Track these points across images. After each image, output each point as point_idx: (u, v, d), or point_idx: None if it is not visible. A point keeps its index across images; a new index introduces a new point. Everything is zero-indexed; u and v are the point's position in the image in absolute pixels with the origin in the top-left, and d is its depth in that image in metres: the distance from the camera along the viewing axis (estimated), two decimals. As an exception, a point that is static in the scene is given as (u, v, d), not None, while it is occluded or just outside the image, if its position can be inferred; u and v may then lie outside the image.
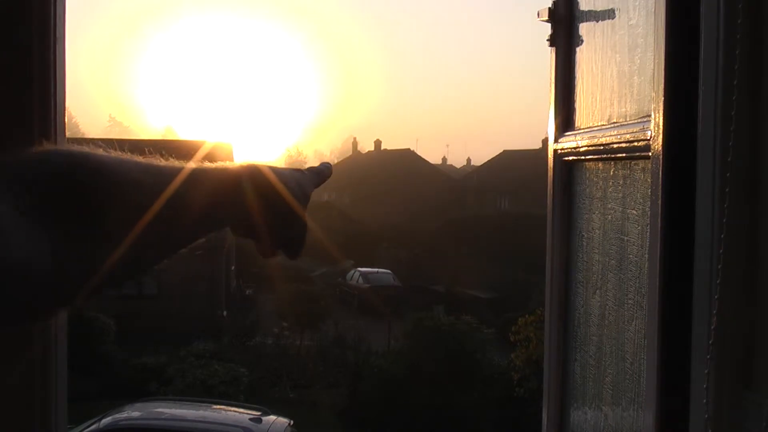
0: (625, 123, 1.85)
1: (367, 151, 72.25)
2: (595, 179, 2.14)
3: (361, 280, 30.77)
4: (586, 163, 2.22)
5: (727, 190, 1.34)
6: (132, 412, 11.01)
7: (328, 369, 19.53)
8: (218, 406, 12.11)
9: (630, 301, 1.83)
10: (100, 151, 0.70)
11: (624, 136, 1.81)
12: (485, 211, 45.92)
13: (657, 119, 1.56)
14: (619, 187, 1.92)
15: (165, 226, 0.75)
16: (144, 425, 10.52)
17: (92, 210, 0.66)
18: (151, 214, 0.71)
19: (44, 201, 0.62)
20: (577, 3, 2.30)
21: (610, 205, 1.99)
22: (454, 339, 17.14)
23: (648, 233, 1.66)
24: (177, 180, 0.76)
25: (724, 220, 1.34)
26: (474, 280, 30.05)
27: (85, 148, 0.70)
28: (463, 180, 60.40)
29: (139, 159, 0.74)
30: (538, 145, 47.66)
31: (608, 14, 2.04)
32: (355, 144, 76.58)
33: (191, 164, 0.80)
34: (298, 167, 1.01)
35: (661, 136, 1.54)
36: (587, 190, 2.21)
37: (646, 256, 1.67)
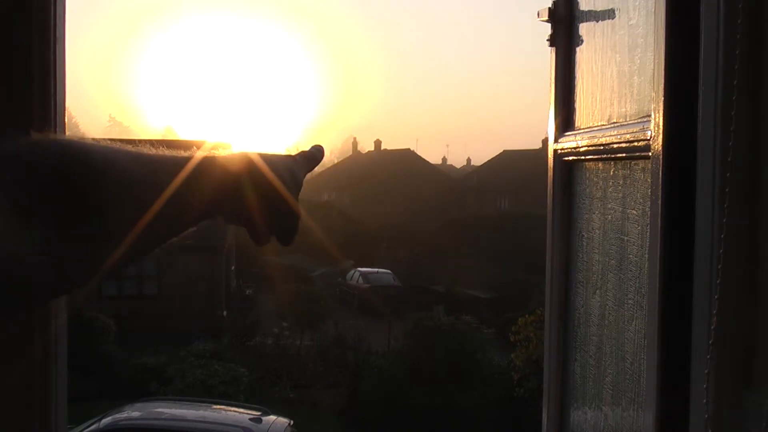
0: (625, 123, 1.85)
1: (367, 151, 72.24)
2: (595, 179, 2.14)
3: (361, 280, 30.77)
4: (586, 163, 2.22)
5: (727, 190, 1.34)
6: (132, 412, 11.00)
7: (328, 369, 19.52)
8: (218, 406, 12.11)
9: (630, 301, 1.83)
10: (89, 140, 0.70)
11: (624, 136, 1.81)
12: (485, 211, 45.92)
13: (657, 119, 1.56)
14: (619, 187, 1.92)
15: (164, 225, 0.75)
16: (144, 425, 10.52)
17: (81, 203, 0.65)
18: (151, 213, 0.72)
19: (32, 196, 0.62)
20: (577, 3, 2.30)
21: (610, 205, 1.99)
22: (454, 339, 17.14)
23: (648, 233, 1.66)
24: (177, 179, 0.76)
25: (724, 220, 1.34)
26: (474, 280, 30.04)
27: (73, 138, 0.70)
28: (463, 180, 60.40)
29: (129, 148, 0.74)
30: (538, 145, 47.67)
31: (608, 14, 2.04)
32: (355, 144, 76.58)
33: (184, 155, 0.80)
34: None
35: (661, 136, 1.54)
36: (587, 190, 2.21)
37: (646, 256, 1.67)
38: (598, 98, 2.11)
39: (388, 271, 31.86)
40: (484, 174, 56.69)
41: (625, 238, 1.86)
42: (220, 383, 15.77)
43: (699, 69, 1.42)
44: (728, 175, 1.34)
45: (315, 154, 1.01)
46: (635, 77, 1.81)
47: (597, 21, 2.15)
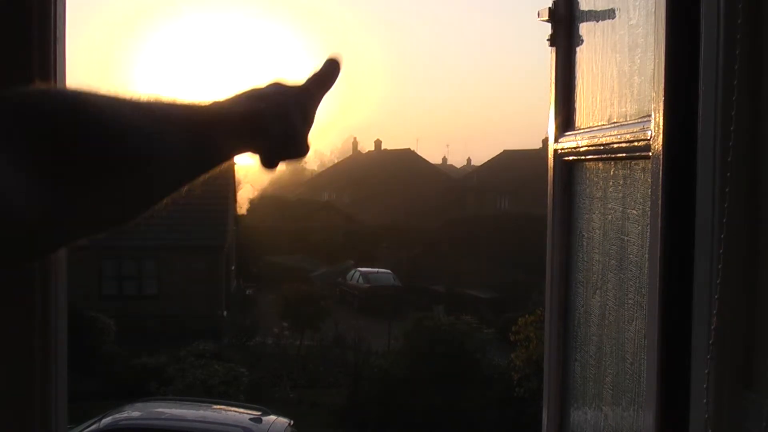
0: (625, 123, 1.85)
1: (367, 151, 72.24)
2: (595, 179, 2.14)
3: (361, 280, 30.77)
4: (586, 163, 2.22)
5: (727, 190, 1.34)
6: (132, 412, 10.99)
7: (328, 369, 19.52)
8: (218, 406, 12.10)
9: (630, 301, 1.83)
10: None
11: (624, 136, 1.81)
12: (485, 211, 45.91)
13: (657, 119, 1.56)
14: (619, 187, 1.92)
15: (180, 170, 0.75)
16: (144, 425, 10.51)
17: (87, 150, 0.64)
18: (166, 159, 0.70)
19: (33, 146, 0.61)
20: (577, 3, 2.30)
21: (610, 205, 1.99)
22: (454, 339, 17.13)
23: (648, 233, 1.66)
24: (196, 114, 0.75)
25: (724, 220, 1.34)
26: (474, 280, 30.04)
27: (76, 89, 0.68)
28: (463, 180, 60.39)
29: (131, 98, 0.72)
30: (538, 145, 47.63)
31: (608, 14, 2.04)
32: (355, 144, 76.58)
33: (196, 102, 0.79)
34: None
35: (661, 136, 1.54)
36: (587, 190, 2.21)
37: (646, 256, 1.67)
38: (598, 98, 2.11)
39: (388, 271, 31.86)
40: (484, 174, 56.68)
41: (625, 238, 1.86)
42: (220, 383, 15.77)
43: (699, 69, 1.42)
44: (728, 175, 1.34)
45: (328, 72, 0.93)
46: (635, 77, 1.81)
47: (597, 21, 2.15)
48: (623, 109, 1.90)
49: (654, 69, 1.59)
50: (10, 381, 1.78)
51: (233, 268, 28.93)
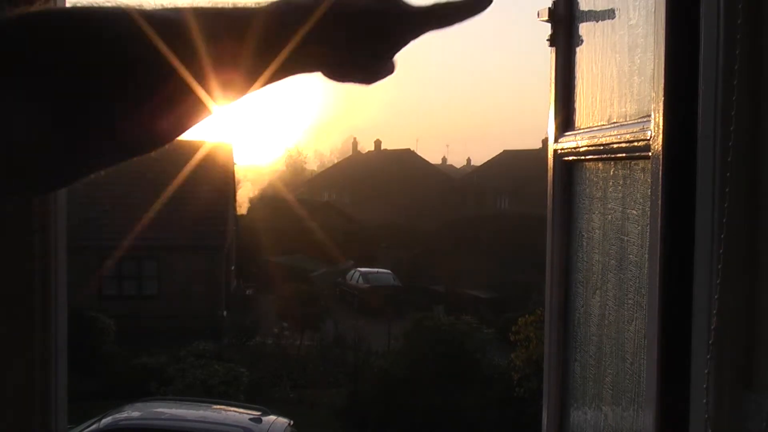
0: (625, 123, 1.85)
1: (367, 151, 72.24)
2: (595, 179, 2.14)
3: (361, 280, 30.77)
4: (586, 163, 2.22)
5: (727, 190, 1.34)
6: (132, 412, 10.99)
7: (328, 369, 19.52)
8: (218, 406, 12.10)
9: (630, 301, 1.83)
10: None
11: (624, 136, 1.81)
12: (485, 211, 45.91)
13: (657, 119, 1.56)
14: (619, 187, 1.92)
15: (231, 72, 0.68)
16: (144, 425, 10.51)
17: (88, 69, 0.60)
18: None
19: (35, 69, 0.58)
20: (577, 3, 2.30)
21: (610, 205, 1.99)
22: (454, 339, 17.13)
23: (648, 233, 1.66)
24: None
25: (724, 220, 1.34)
26: (474, 280, 30.04)
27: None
28: (463, 180, 60.40)
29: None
30: (538, 145, 47.69)
31: (608, 14, 2.04)
32: (355, 144, 76.57)
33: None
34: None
35: (661, 136, 1.54)
36: (587, 190, 2.21)
37: (646, 256, 1.67)
38: (598, 98, 2.11)
39: (388, 271, 31.86)
40: (484, 174, 56.68)
41: (625, 238, 1.86)
42: (220, 383, 15.77)
43: (699, 69, 1.42)
44: (728, 175, 1.34)
45: (461, 4, 0.78)
46: (635, 77, 1.81)
47: (597, 21, 2.15)
48: (623, 109, 1.90)
49: (654, 69, 1.59)
50: (10, 381, 1.78)
51: (233, 268, 28.94)
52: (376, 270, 31.79)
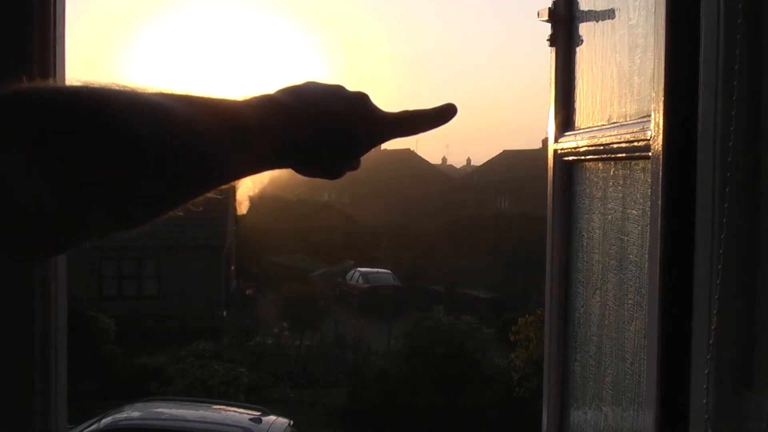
0: (625, 123, 1.85)
1: (367, 151, 71.94)
2: (595, 179, 2.14)
3: (361, 280, 30.77)
4: (586, 163, 2.22)
5: (727, 190, 1.34)
6: (132, 412, 11.00)
7: (328, 369, 19.52)
8: (218, 406, 12.10)
9: (630, 301, 1.83)
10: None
11: (624, 136, 1.81)
12: (485, 211, 45.93)
13: (657, 119, 1.56)
14: (619, 187, 1.92)
15: (199, 180, 0.69)
16: (144, 425, 10.51)
17: (90, 148, 0.59)
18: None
19: (39, 139, 0.57)
20: (577, 3, 2.30)
21: (610, 205, 1.99)
22: (454, 339, 17.14)
23: (648, 233, 1.66)
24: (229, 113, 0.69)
25: (724, 220, 1.34)
26: (474, 280, 30.05)
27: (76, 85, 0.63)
28: (463, 180, 60.42)
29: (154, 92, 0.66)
30: (538, 145, 47.63)
31: (608, 14, 2.04)
32: (355, 144, 76.20)
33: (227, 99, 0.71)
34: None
35: (661, 136, 1.54)
36: (587, 190, 2.20)
37: (646, 256, 1.67)
38: (598, 98, 2.11)
39: (388, 271, 31.87)
40: (484, 174, 56.70)
41: (625, 238, 1.86)
42: (220, 383, 15.78)
43: (699, 69, 1.42)
44: (728, 175, 1.34)
45: (426, 116, 0.82)
46: (635, 77, 1.81)
47: (597, 21, 2.15)
48: (623, 109, 1.90)
49: (654, 69, 1.59)
50: (10, 381, 1.78)
51: (233, 268, 28.94)
52: (376, 270, 31.80)
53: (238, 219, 30.98)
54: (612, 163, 1.98)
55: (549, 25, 2.42)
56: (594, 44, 2.16)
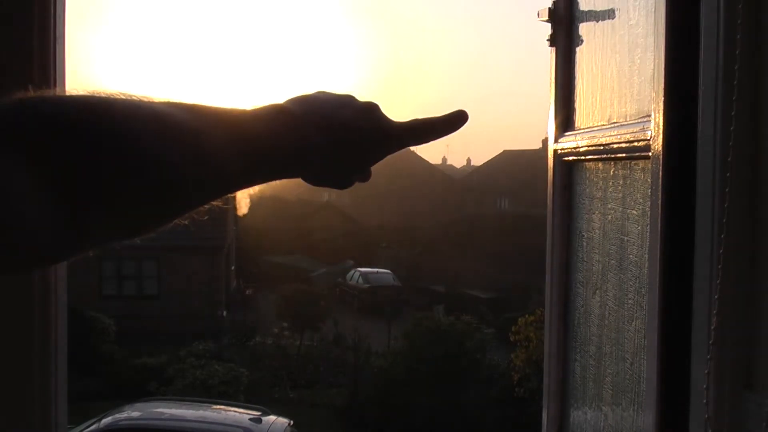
0: (625, 123, 1.85)
1: (367, 151, 71.90)
2: (595, 179, 2.14)
3: (361, 280, 30.77)
4: (586, 163, 2.22)
5: (727, 190, 1.34)
6: (132, 412, 11.00)
7: (328, 369, 19.53)
8: (218, 406, 12.11)
9: (630, 301, 1.83)
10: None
11: (624, 136, 1.81)
12: (485, 211, 45.93)
13: (657, 119, 1.56)
14: (619, 187, 1.92)
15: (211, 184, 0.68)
16: (144, 425, 10.52)
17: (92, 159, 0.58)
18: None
19: (35, 152, 0.56)
20: (577, 3, 2.30)
21: (610, 205, 1.99)
22: (454, 339, 17.14)
23: (648, 233, 1.66)
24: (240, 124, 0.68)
25: (724, 220, 1.34)
26: (474, 280, 30.05)
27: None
28: (463, 180, 60.42)
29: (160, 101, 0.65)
30: (538, 145, 47.63)
31: (608, 14, 2.04)
32: (355, 144, 76.15)
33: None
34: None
35: (661, 136, 1.54)
36: (587, 190, 2.20)
37: (646, 256, 1.67)
38: (598, 98, 2.11)
39: (388, 271, 31.86)
40: (484, 174, 56.70)
41: (625, 238, 1.86)
42: (220, 383, 15.78)
43: (699, 69, 1.42)
44: (728, 175, 1.34)
45: (436, 125, 0.82)
46: (635, 77, 1.81)
47: (597, 21, 2.15)
48: (623, 109, 1.90)
49: (654, 69, 1.59)
50: (10, 381, 1.78)
51: (233, 268, 28.95)
52: (376, 270, 31.80)
53: (238, 219, 30.98)
54: (612, 163, 1.98)
55: (549, 25, 2.42)
56: (594, 44, 2.16)
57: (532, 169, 35.63)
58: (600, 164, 2.10)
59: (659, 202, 1.54)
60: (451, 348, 16.87)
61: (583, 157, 2.21)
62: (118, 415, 10.94)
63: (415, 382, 16.31)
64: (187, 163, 0.64)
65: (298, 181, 0.80)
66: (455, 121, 0.81)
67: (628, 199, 1.85)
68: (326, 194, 56.10)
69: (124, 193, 0.60)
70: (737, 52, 1.33)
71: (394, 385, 16.49)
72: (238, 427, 10.47)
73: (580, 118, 2.27)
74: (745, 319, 1.36)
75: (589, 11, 2.20)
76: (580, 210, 2.27)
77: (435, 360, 16.64)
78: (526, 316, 16.27)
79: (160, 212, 0.67)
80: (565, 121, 2.37)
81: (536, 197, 23.43)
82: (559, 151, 2.37)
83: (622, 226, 1.89)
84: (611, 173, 1.98)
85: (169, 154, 0.63)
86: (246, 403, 13.59)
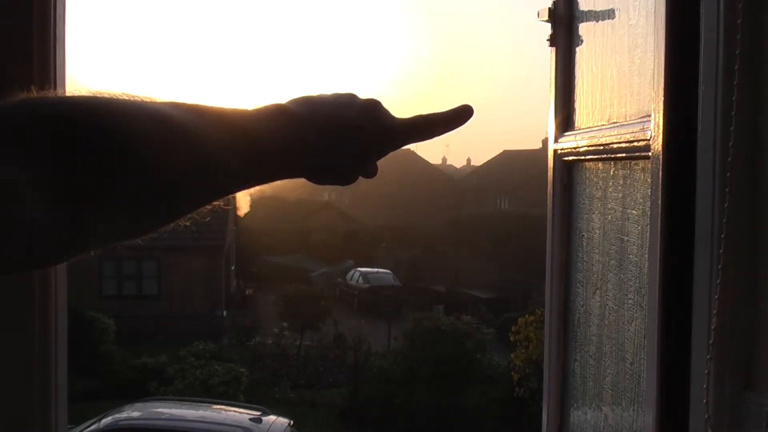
0: (625, 123, 1.85)
1: (367, 151, 71.86)
2: (595, 179, 2.14)
3: (361, 280, 30.76)
4: (586, 163, 2.22)
5: (727, 190, 1.34)
6: (132, 412, 11.00)
7: (328, 369, 19.52)
8: (218, 406, 12.11)
9: (630, 301, 1.83)
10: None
11: (624, 136, 1.81)
12: (485, 211, 45.93)
13: (657, 119, 1.56)
14: (619, 187, 1.92)
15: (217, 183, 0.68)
16: (144, 425, 10.52)
17: (99, 159, 0.58)
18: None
19: (45, 156, 0.56)
20: (577, 3, 2.30)
21: (610, 205, 1.99)
22: (454, 339, 17.14)
23: (648, 233, 1.66)
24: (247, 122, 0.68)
25: (724, 220, 1.34)
26: (474, 280, 30.04)
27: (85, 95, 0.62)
28: (463, 180, 60.42)
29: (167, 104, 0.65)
30: (538, 145, 47.63)
31: (608, 14, 2.04)
32: (355, 144, 76.09)
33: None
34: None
35: (661, 136, 1.54)
36: (587, 190, 2.21)
37: (646, 256, 1.67)
38: (598, 98, 2.11)
39: (388, 271, 31.85)
40: (484, 174, 56.70)
41: (625, 238, 1.86)
42: (220, 383, 15.77)
43: (699, 69, 1.42)
44: (728, 175, 1.34)
45: (437, 120, 0.81)
46: (635, 77, 1.81)
47: (597, 21, 2.15)
48: (623, 109, 1.90)
49: (654, 69, 1.59)
50: (9, 381, 1.78)
51: (233, 268, 28.94)
52: (376, 270, 31.78)
53: (238, 219, 30.98)
54: (612, 163, 1.98)
55: (549, 25, 2.42)
56: (594, 44, 2.16)
57: (532, 169, 35.65)
58: (600, 164, 2.10)
59: (659, 202, 1.54)
60: (451, 348, 16.86)
61: (583, 157, 2.21)
62: (118, 415, 10.94)
63: (415, 382, 16.30)
64: (188, 164, 0.64)
65: (298, 181, 0.80)
66: (460, 116, 0.81)
67: (628, 199, 1.85)
68: (326, 194, 56.14)
69: (125, 194, 0.60)
70: (737, 52, 1.33)
71: (394, 385, 16.49)
72: (238, 427, 10.47)
73: (580, 118, 2.27)
74: (745, 319, 1.36)
75: (589, 11, 2.20)
76: (580, 210, 2.27)
77: (435, 360, 16.63)
78: (526, 316, 16.27)
79: (162, 213, 0.67)
80: (565, 121, 2.37)
81: (536, 197, 23.42)
82: (559, 151, 2.37)
83: (622, 226, 1.89)
84: (611, 173, 1.98)
85: (171, 155, 0.62)
86: (246, 403, 13.59)
